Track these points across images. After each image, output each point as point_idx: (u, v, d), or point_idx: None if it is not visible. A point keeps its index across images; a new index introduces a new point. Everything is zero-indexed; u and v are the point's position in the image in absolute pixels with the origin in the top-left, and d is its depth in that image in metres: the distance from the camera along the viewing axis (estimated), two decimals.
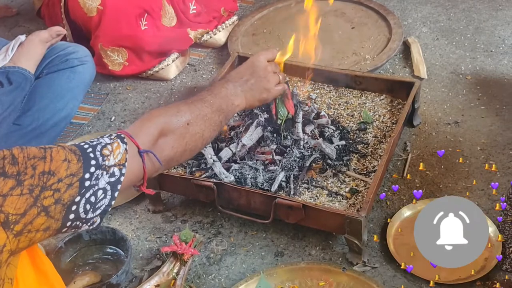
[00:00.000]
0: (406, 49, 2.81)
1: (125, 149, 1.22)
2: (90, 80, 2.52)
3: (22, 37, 2.38)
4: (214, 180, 1.98)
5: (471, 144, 2.28)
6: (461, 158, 2.20)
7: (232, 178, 2.01)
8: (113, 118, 2.61)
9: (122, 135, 1.25)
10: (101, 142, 1.20)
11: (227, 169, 2.05)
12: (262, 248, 1.98)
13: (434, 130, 2.36)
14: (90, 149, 1.16)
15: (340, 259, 1.92)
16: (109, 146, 1.19)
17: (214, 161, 2.06)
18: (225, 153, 2.09)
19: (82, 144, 1.18)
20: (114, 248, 1.99)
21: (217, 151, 2.11)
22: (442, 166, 2.20)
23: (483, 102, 2.47)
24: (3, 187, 1.02)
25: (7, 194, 1.03)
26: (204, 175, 2.06)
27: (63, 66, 2.41)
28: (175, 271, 1.85)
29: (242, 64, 1.75)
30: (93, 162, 1.15)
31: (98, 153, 1.17)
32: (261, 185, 1.99)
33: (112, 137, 1.23)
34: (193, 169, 2.10)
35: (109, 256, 1.98)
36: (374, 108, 2.34)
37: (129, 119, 2.60)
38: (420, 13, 3.08)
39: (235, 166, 2.06)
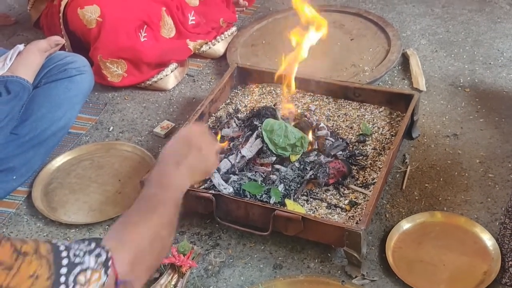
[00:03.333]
0: (405, 61, 2.81)
1: (104, 283, 1.08)
2: (89, 90, 2.51)
3: (20, 46, 2.38)
4: (213, 192, 1.97)
5: (470, 157, 2.28)
6: (460, 171, 2.20)
7: (231, 189, 2.01)
8: (111, 128, 2.60)
9: (109, 264, 1.10)
10: (83, 263, 1.05)
11: (226, 181, 2.04)
12: (260, 260, 1.97)
13: (433, 142, 2.36)
14: (65, 270, 1.02)
15: (339, 272, 1.91)
16: (88, 273, 1.05)
17: (213, 172, 2.05)
18: (224, 164, 2.08)
19: (64, 255, 1.04)
20: None
21: None
22: (441, 179, 2.19)
23: (482, 114, 2.47)
24: None
25: None
26: (203, 186, 2.05)
27: (61, 76, 2.40)
28: (173, 283, 1.83)
29: (172, 140, 1.51)
30: (62, 287, 1.01)
31: (72, 278, 1.02)
32: (260, 197, 1.98)
33: (99, 261, 1.08)
34: None
35: None
36: (373, 120, 2.34)
37: (127, 129, 2.59)
38: (419, 25, 3.09)
39: (234, 177, 2.05)
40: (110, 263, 1.10)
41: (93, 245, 1.10)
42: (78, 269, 1.04)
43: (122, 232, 1.23)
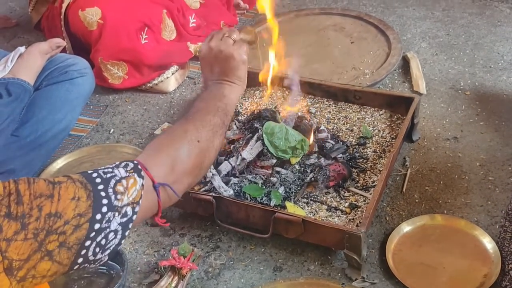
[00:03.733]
0: (405, 64, 2.81)
1: (141, 185, 1.13)
2: (89, 92, 2.52)
3: (21, 49, 2.38)
4: (213, 194, 1.98)
5: (470, 160, 2.28)
6: (460, 174, 2.21)
7: (231, 192, 2.01)
8: (112, 130, 2.61)
9: (139, 167, 1.16)
10: (115, 175, 1.11)
11: (226, 183, 2.04)
12: (260, 262, 1.97)
13: (433, 145, 2.36)
14: (102, 186, 1.08)
15: (339, 274, 1.91)
16: (124, 181, 1.11)
17: (213, 174, 2.05)
18: (225, 167, 2.08)
19: (95, 176, 1.10)
20: (110, 262, 1.96)
21: (216, 164, 2.11)
22: (441, 182, 2.20)
23: (482, 117, 2.47)
24: (7, 230, 0.97)
25: (11, 238, 0.97)
26: (203, 189, 2.05)
27: (62, 78, 2.40)
28: (173, 285, 1.83)
29: (203, 60, 1.60)
30: (104, 201, 1.07)
31: (110, 190, 1.08)
32: (260, 200, 1.98)
33: (129, 168, 1.14)
34: None
35: (105, 270, 1.96)
36: (374, 123, 2.34)
37: (127, 131, 2.59)
38: (419, 28, 3.09)
39: (234, 180, 2.05)
40: (140, 167, 1.16)
41: (118, 162, 1.16)
42: (113, 181, 1.10)
43: (157, 141, 1.31)
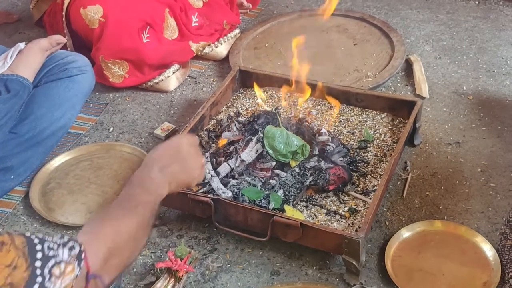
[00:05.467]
0: (408, 67, 2.79)
1: (77, 275, 1.08)
2: (89, 90, 2.50)
3: (21, 45, 2.37)
4: (212, 196, 1.96)
5: (471, 165, 2.26)
6: (461, 179, 2.19)
7: (230, 194, 1.99)
8: (111, 129, 2.59)
9: (82, 256, 1.11)
10: (57, 256, 1.05)
11: (225, 185, 2.03)
12: (258, 266, 1.95)
13: (435, 150, 2.34)
14: (40, 263, 1.02)
15: (337, 279, 1.89)
16: (62, 266, 1.05)
17: (212, 176, 2.04)
18: (224, 168, 2.06)
19: (38, 248, 1.03)
20: None
21: (215, 166, 2.09)
22: (442, 187, 2.18)
23: (485, 123, 2.45)
24: None
25: None
26: (202, 190, 2.04)
27: (62, 75, 2.39)
28: (169, 287, 1.82)
29: (161, 146, 1.52)
30: (39, 279, 1.01)
31: (46, 270, 1.02)
32: (259, 202, 1.96)
33: (72, 254, 1.09)
34: None
35: None
36: (375, 126, 2.32)
37: (127, 130, 2.57)
38: (423, 31, 3.07)
39: (233, 181, 2.03)
40: (83, 256, 1.11)
41: (66, 238, 1.10)
42: (52, 262, 1.04)
43: (99, 226, 1.25)
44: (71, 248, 1.09)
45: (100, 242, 1.20)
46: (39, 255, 1.03)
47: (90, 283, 1.14)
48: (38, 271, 1.01)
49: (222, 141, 2.18)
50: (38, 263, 1.02)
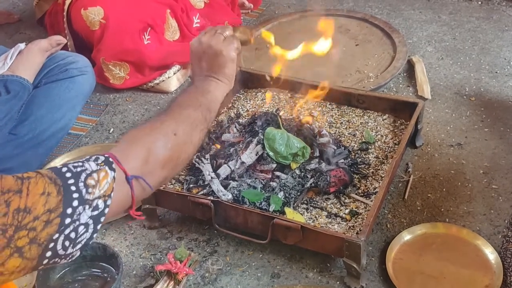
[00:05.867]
0: (410, 68, 2.78)
1: (113, 177, 1.10)
2: (90, 91, 2.49)
3: (21, 45, 2.36)
4: (212, 198, 1.94)
5: (473, 167, 2.25)
6: (463, 181, 2.17)
7: (230, 196, 1.98)
8: (112, 130, 2.58)
9: (110, 160, 1.12)
10: (86, 169, 1.07)
11: (225, 187, 2.01)
12: (258, 268, 1.94)
13: (436, 151, 2.32)
14: (72, 180, 1.05)
15: (338, 282, 1.88)
16: (94, 175, 1.07)
17: (212, 178, 2.02)
18: (224, 170, 2.05)
19: (64, 170, 1.06)
20: (105, 265, 1.93)
21: (215, 167, 2.08)
22: (444, 189, 2.16)
23: (487, 124, 2.44)
24: None
25: None
26: (202, 192, 2.03)
27: (62, 76, 2.38)
28: None
29: (192, 55, 1.59)
30: (75, 195, 1.04)
31: (81, 184, 1.05)
32: (259, 205, 1.95)
33: (99, 162, 1.11)
34: (190, 185, 2.06)
35: (99, 273, 1.93)
36: (377, 127, 2.30)
37: (127, 131, 2.56)
38: (425, 32, 3.05)
39: (233, 183, 2.02)
40: (111, 159, 1.13)
41: (88, 156, 1.14)
42: (83, 175, 1.07)
43: (137, 131, 1.28)
44: (96, 159, 1.11)
45: (135, 145, 1.22)
46: (68, 174, 1.06)
47: (133, 185, 1.16)
48: (73, 188, 1.04)
49: (217, 146, 2.17)
50: (70, 181, 1.05)
